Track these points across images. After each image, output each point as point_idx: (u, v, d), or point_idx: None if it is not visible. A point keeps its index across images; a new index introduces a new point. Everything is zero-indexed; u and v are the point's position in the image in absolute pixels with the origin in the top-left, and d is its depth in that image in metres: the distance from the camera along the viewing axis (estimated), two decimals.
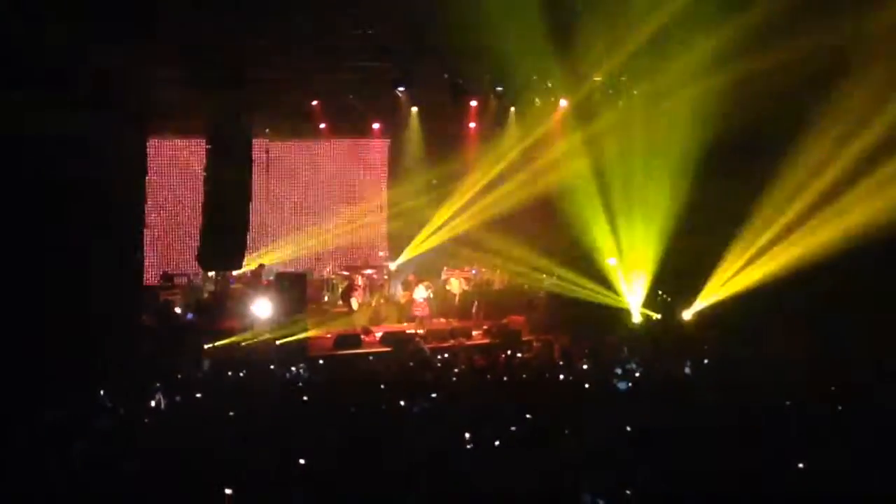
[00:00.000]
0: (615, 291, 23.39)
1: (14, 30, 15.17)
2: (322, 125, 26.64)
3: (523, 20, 20.11)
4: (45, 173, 15.82)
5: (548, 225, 24.75)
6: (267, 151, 27.70)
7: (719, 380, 15.17)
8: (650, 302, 23.40)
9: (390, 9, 20.09)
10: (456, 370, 17.16)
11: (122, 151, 17.31)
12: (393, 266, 27.58)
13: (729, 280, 21.36)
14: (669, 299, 23.23)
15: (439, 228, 26.70)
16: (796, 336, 17.81)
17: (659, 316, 23.02)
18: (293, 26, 20.24)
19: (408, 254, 27.22)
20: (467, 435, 11.19)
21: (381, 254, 28.86)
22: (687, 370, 16.43)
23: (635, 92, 24.08)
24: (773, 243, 20.56)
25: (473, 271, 26.73)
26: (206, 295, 24.13)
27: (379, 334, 22.72)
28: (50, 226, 16.04)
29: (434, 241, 26.66)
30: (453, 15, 19.18)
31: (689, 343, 19.59)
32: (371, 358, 20.11)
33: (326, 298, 25.91)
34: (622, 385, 15.20)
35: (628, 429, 11.38)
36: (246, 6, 19.15)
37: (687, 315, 22.38)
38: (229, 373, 16.89)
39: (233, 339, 20.29)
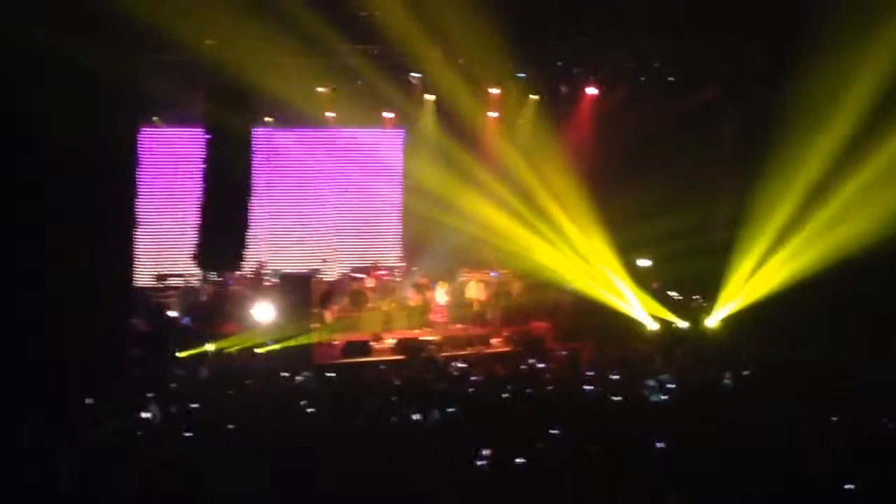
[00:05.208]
0: (647, 297, 23.32)
1: None
2: (330, 113, 26.54)
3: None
4: (18, 159, 15.68)
5: (575, 223, 24.67)
6: (270, 142, 27.53)
7: (763, 392, 15.07)
8: (682, 306, 23.33)
9: None
10: (473, 380, 17.08)
11: (109, 139, 17.11)
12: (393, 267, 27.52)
13: (754, 280, 21.41)
14: (705, 304, 23.18)
15: (456, 227, 26.59)
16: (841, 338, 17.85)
17: (696, 323, 22.91)
18: (297, 5, 20.19)
19: (421, 254, 27.13)
20: (485, 451, 11.14)
21: (394, 253, 28.75)
22: (727, 381, 16.35)
23: (670, 79, 24.05)
24: (805, 240, 20.62)
25: (493, 274, 26.56)
26: (203, 297, 24.06)
27: (390, 341, 22.66)
28: (26, 221, 15.68)
29: (450, 241, 26.52)
30: None
31: (726, 351, 19.52)
32: (382, 367, 20.08)
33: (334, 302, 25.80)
34: (655, 398, 15.15)
35: (661, 446, 11.32)
36: None
37: (715, 320, 22.33)
38: (228, 382, 16.84)
39: (232, 344, 20.29)
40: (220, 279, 24.64)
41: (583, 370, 18.49)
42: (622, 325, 22.45)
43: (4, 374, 14.85)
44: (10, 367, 15.00)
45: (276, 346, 20.25)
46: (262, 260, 26.21)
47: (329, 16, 20.71)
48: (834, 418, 12.88)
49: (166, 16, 18.27)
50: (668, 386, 15.95)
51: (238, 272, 24.70)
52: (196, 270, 24.24)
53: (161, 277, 25.65)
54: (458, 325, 24.85)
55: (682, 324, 23.00)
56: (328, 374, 18.71)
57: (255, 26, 20.44)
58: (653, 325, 22.92)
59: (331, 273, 27.42)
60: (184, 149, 26.31)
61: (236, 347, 20.28)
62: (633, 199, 23.23)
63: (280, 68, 22.98)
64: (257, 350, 20.27)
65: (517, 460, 10.97)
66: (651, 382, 16.05)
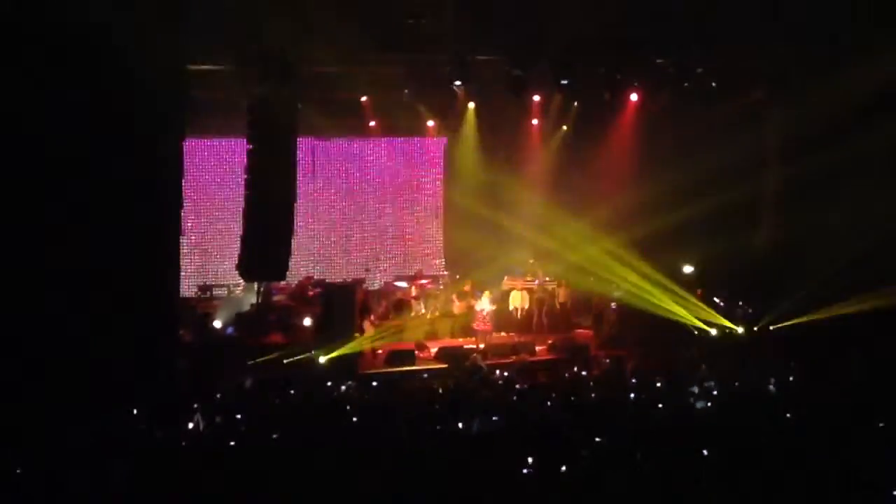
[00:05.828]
0: (692, 302, 23.23)
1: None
2: (372, 122, 26.64)
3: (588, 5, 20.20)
4: (71, 174, 15.89)
5: (619, 228, 24.64)
6: (312, 151, 27.66)
7: (808, 400, 14.99)
8: (730, 314, 23.24)
9: None
10: (517, 389, 17.11)
11: (155, 150, 17.31)
12: (437, 275, 27.58)
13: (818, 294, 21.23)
14: (751, 311, 23.09)
15: (499, 235, 26.66)
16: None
17: (741, 329, 22.83)
18: (340, 15, 20.29)
19: (465, 261, 27.19)
20: (530, 459, 11.17)
21: (436, 261, 28.84)
22: (771, 387, 16.29)
23: (714, 84, 24.01)
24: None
25: (536, 281, 26.54)
26: (247, 308, 24.19)
27: (434, 350, 22.72)
28: (74, 236, 15.91)
29: (494, 248, 26.57)
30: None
31: (773, 359, 19.42)
32: (425, 375, 20.15)
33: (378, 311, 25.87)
34: (700, 404, 15.13)
35: (706, 454, 11.32)
36: None
37: (771, 328, 22.21)
38: (273, 392, 16.95)
39: (277, 355, 20.39)
40: (264, 290, 24.69)
41: (627, 378, 18.48)
42: (667, 332, 22.37)
43: (55, 383, 15.08)
44: (62, 376, 15.23)
45: (322, 357, 20.38)
46: (308, 273, 26.39)
47: (374, 23, 20.84)
48: (881, 424, 12.82)
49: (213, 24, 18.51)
50: (713, 393, 15.94)
51: (282, 282, 24.82)
52: (240, 280, 24.33)
53: (205, 288, 25.81)
54: (502, 333, 24.87)
55: (728, 330, 22.91)
56: (373, 383, 18.82)
57: (300, 34, 20.58)
58: (698, 332, 22.82)
59: (374, 282, 27.52)
60: (227, 159, 26.57)
61: (282, 357, 20.39)
62: (678, 203, 23.21)
63: (323, 78, 23.10)
64: (302, 360, 20.39)
65: (562, 468, 11.00)
66: (695, 389, 16.04)
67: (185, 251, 23.53)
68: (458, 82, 24.25)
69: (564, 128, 27.39)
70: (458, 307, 25.06)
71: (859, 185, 20.71)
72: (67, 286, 15.78)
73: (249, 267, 22.50)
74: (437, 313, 25.28)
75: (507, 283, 26.24)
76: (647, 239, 23.40)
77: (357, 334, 21.76)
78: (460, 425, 13.51)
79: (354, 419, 14.28)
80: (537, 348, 23.30)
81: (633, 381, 17.79)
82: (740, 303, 23.56)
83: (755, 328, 22.61)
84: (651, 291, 23.24)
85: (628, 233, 23.93)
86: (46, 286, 15.65)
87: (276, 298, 24.83)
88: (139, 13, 16.06)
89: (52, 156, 15.64)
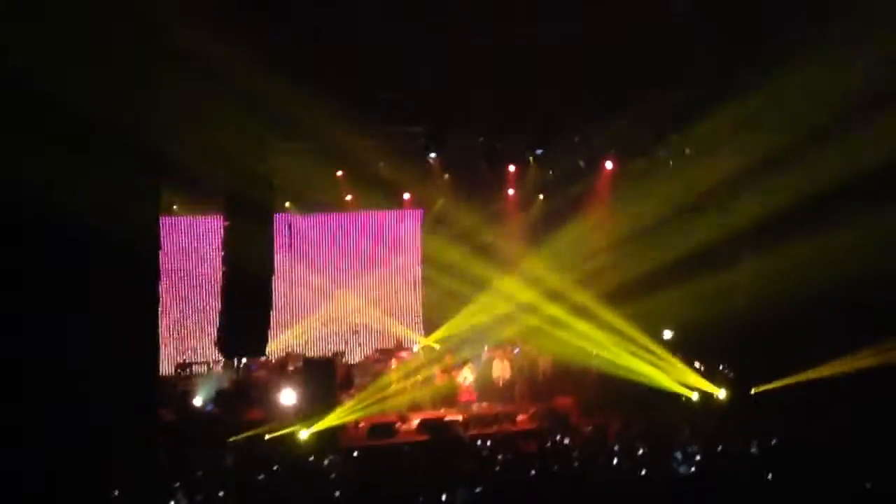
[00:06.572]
0: (671, 368, 23.33)
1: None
2: (348, 196, 26.80)
3: (563, 76, 20.40)
4: (39, 248, 15.83)
5: (597, 296, 24.81)
6: (289, 226, 27.76)
7: (789, 460, 15.04)
8: (711, 378, 23.33)
9: (418, 69, 20.30)
10: (500, 459, 17.11)
11: (131, 229, 17.25)
12: (417, 347, 27.60)
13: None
14: (732, 375, 23.18)
15: (477, 305, 26.77)
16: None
17: (723, 393, 22.90)
18: (314, 90, 20.48)
19: (443, 333, 27.27)
20: None
21: (416, 333, 28.85)
22: (753, 450, 16.33)
23: (687, 151, 24.27)
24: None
25: (516, 350, 26.61)
26: (226, 384, 24.13)
27: (416, 422, 22.71)
28: (49, 312, 15.72)
29: (472, 319, 26.67)
30: (487, 73, 19.49)
31: (755, 421, 19.46)
32: (406, 448, 20.13)
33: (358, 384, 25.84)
34: (683, 469, 15.16)
35: None
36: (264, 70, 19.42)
37: (752, 391, 22.27)
38: (254, 468, 16.90)
39: (257, 431, 20.36)
40: (244, 365, 24.67)
41: (610, 444, 18.50)
42: (648, 397, 22.43)
43: (35, 468, 14.96)
44: (39, 463, 15.10)
45: (304, 432, 20.36)
46: (288, 347, 26.43)
47: (347, 99, 21.05)
48: (868, 485, 12.86)
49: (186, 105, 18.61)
50: (696, 458, 15.97)
51: (261, 357, 24.80)
52: (219, 357, 24.31)
53: (184, 365, 25.76)
54: (484, 403, 24.87)
55: (709, 394, 22.98)
56: (355, 457, 18.79)
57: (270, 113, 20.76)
58: (679, 396, 22.89)
59: (354, 355, 27.53)
60: (204, 236, 26.66)
61: (263, 433, 20.35)
62: (655, 268, 23.41)
63: (298, 153, 23.29)
64: (283, 435, 20.36)
65: None
66: (679, 455, 16.07)
67: (163, 329, 23.52)
68: (432, 154, 24.50)
69: (541, 196, 27.62)
70: (439, 378, 25.08)
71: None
72: (46, 367, 15.70)
73: (228, 343, 22.45)
74: (418, 384, 25.31)
75: (487, 353, 26.27)
76: (626, 304, 23.62)
77: (338, 408, 21.77)
78: (444, 497, 13.51)
79: (338, 493, 14.26)
80: (519, 417, 23.30)
81: (616, 447, 17.81)
82: (720, 366, 23.63)
83: (736, 392, 22.68)
84: (630, 358, 23.36)
85: (608, 298, 24.14)
86: (25, 365, 15.59)
87: (255, 374, 24.80)
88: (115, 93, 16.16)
89: (25, 232, 15.62)
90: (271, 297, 22.85)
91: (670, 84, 20.65)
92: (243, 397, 23.17)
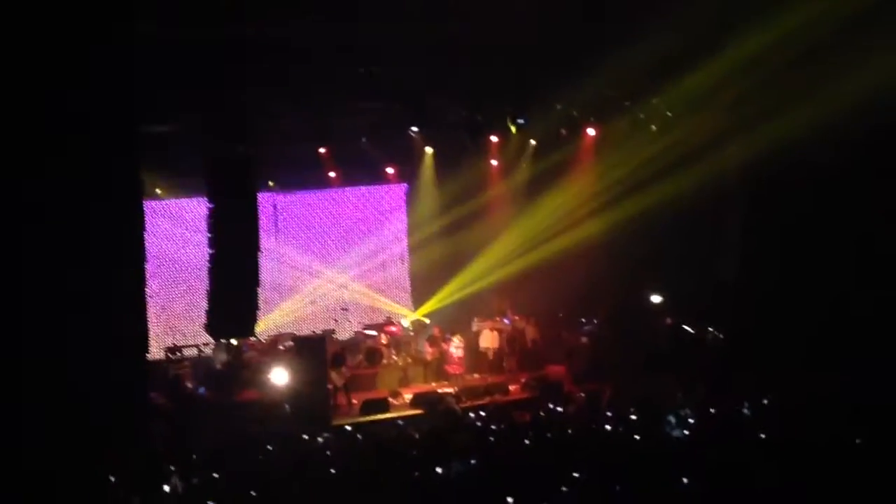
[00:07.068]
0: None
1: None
2: (332, 173, 26.74)
3: (544, 46, 20.38)
4: (21, 239, 15.73)
5: (585, 265, 24.89)
6: (274, 205, 27.71)
7: (782, 422, 15.06)
8: (697, 340, 23.43)
9: (397, 43, 20.21)
10: (494, 429, 17.15)
11: (114, 215, 17.13)
12: (407, 323, 27.61)
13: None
14: (722, 336, 23.23)
15: (465, 277, 26.78)
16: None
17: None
18: (295, 69, 20.42)
19: (432, 306, 27.28)
20: (510, 500, 11.22)
21: (405, 307, 28.82)
22: (745, 411, 16.36)
23: (669, 114, 24.24)
24: None
25: (506, 321, 26.63)
26: (218, 366, 24.14)
27: (408, 396, 22.76)
28: (36, 304, 15.71)
29: (461, 292, 26.69)
30: (467, 45, 19.45)
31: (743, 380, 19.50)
32: (400, 422, 20.16)
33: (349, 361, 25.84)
34: (677, 433, 15.20)
35: (686, 481, 11.39)
36: (245, 52, 19.33)
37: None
38: (249, 449, 16.90)
39: (251, 411, 20.37)
40: (234, 346, 24.62)
41: (603, 411, 18.54)
42: (641, 361, 22.47)
43: (27, 460, 14.93)
44: (34, 454, 15.07)
45: (296, 410, 20.38)
46: (277, 326, 26.43)
47: (327, 74, 21.00)
48: (857, 440, 12.90)
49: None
50: (690, 421, 16.00)
51: (251, 338, 24.82)
52: (209, 339, 24.24)
53: (174, 349, 25.71)
54: (475, 375, 24.95)
55: (700, 357, 23.04)
56: (348, 433, 18.81)
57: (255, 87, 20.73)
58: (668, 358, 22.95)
59: (344, 332, 27.51)
60: (188, 219, 26.50)
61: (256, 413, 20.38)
62: (640, 231, 23.52)
63: (281, 131, 23.25)
64: (276, 415, 20.39)
65: None
66: (672, 419, 16.10)
67: (152, 314, 23.38)
68: (414, 128, 24.45)
69: (524, 165, 27.58)
70: (429, 352, 25.11)
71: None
72: (36, 359, 15.64)
73: (217, 324, 22.49)
74: (409, 359, 25.35)
75: (476, 324, 26.30)
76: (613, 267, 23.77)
77: (330, 386, 21.80)
78: (438, 470, 13.53)
79: (332, 471, 14.27)
80: (511, 388, 23.39)
81: (609, 414, 17.84)
82: (710, 329, 23.68)
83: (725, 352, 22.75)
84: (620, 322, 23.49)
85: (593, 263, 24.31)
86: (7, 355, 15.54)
87: (247, 355, 24.76)
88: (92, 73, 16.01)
89: (7, 222, 15.53)
90: (258, 277, 22.85)
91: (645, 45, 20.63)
92: (235, 379, 23.16)
